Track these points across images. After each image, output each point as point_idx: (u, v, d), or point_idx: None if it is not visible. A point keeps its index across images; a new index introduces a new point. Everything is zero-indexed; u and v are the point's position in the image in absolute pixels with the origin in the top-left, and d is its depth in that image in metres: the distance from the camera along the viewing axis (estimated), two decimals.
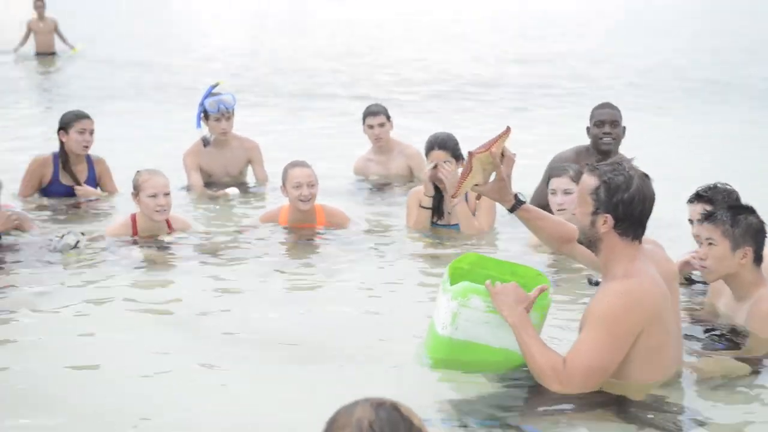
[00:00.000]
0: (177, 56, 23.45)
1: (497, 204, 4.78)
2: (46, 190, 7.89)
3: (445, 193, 6.87)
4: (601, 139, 7.18)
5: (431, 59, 23.01)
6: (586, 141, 7.35)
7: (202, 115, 8.40)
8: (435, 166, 6.78)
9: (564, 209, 6.20)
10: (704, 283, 5.39)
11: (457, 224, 6.97)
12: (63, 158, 7.83)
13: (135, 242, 6.71)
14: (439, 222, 7.06)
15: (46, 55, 20.34)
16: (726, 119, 13.48)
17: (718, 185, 5.41)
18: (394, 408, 2.47)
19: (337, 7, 48.13)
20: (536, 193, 7.32)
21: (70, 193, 7.87)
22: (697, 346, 4.82)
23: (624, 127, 7.31)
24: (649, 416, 4.02)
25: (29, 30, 20.40)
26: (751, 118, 13.45)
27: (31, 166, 7.89)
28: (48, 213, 7.60)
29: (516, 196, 4.43)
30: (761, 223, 4.82)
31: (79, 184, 7.85)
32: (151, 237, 6.75)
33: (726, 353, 4.72)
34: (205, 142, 8.44)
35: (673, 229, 6.35)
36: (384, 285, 6.09)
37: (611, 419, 4.04)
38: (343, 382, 4.44)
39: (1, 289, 5.82)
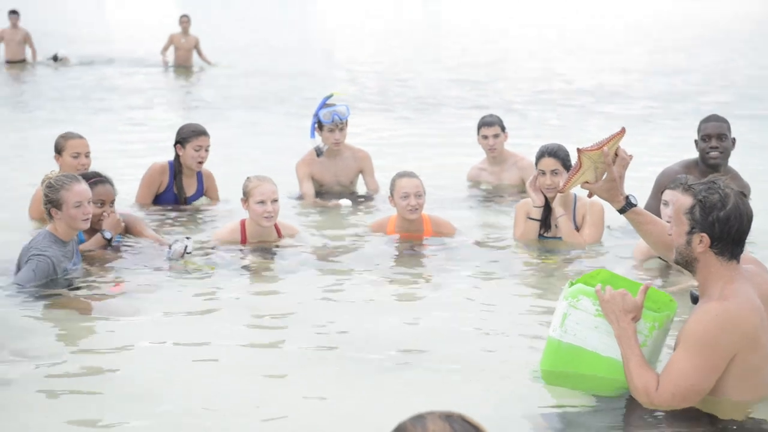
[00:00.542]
0: (306, 66, 23.83)
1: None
2: (158, 198, 8.00)
3: (553, 204, 6.79)
4: (708, 153, 7.01)
5: (555, 70, 22.83)
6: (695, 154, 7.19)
7: (317, 125, 8.47)
8: (539, 174, 6.77)
9: None
10: None
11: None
12: (177, 169, 7.97)
13: (243, 248, 6.79)
14: (546, 234, 6.96)
15: (183, 67, 20.80)
16: None
17: None
18: (463, 419, 2.48)
19: (469, 19, 48.12)
20: (647, 207, 7.15)
21: (178, 201, 7.99)
22: None
23: (734, 139, 7.12)
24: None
25: (170, 42, 20.89)
26: None
27: (151, 172, 7.99)
28: (159, 219, 7.73)
29: (627, 197, 4.37)
30: None
31: (184, 199, 7.98)
32: (259, 243, 6.84)
33: None
34: (318, 151, 8.49)
35: None
36: (488, 297, 6.05)
37: None
38: (443, 390, 4.49)
39: (115, 299, 5.93)
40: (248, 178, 6.85)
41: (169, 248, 6.52)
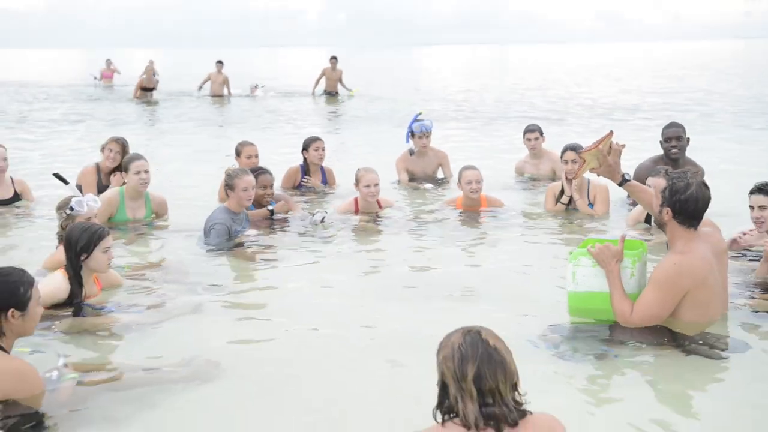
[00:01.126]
0: (406, 93, 23.86)
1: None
2: (296, 187, 8.03)
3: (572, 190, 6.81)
4: (670, 150, 6.82)
5: (584, 93, 22.33)
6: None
7: (410, 134, 8.49)
8: (563, 164, 6.83)
9: None
10: (755, 259, 5.04)
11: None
12: (306, 167, 8.06)
13: (355, 217, 6.80)
14: (569, 206, 6.89)
15: (331, 94, 20.87)
16: None
17: None
18: (478, 333, 2.47)
19: (530, 57, 47.18)
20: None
21: (310, 189, 8.01)
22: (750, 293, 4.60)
23: (688, 139, 6.88)
24: (694, 345, 3.89)
25: (322, 74, 21.06)
26: None
27: (289, 172, 8.05)
28: (299, 199, 7.67)
29: (623, 175, 4.35)
30: None
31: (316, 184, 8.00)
32: (366, 213, 6.88)
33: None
34: (411, 152, 8.56)
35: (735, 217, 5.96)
36: (526, 251, 5.97)
37: (667, 347, 3.92)
38: (492, 318, 4.30)
39: (273, 251, 5.95)
40: (358, 169, 6.89)
41: (312, 216, 6.61)
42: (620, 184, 4.35)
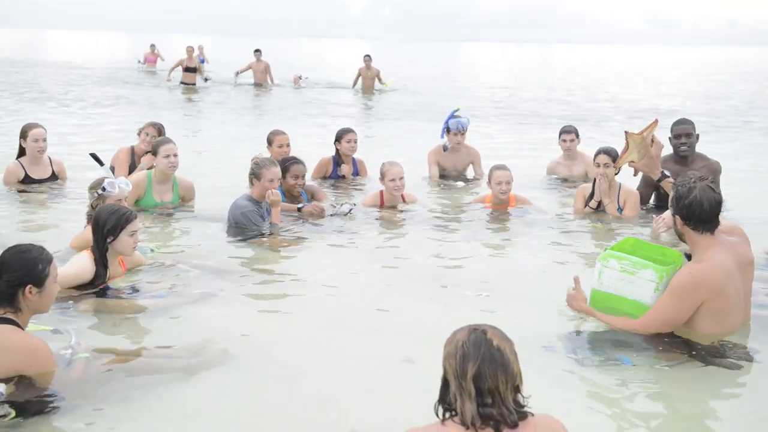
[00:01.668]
0: (446, 88, 23.77)
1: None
2: (327, 177, 8.09)
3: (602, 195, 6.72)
4: (679, 147, 6.70)
5: (623, 96, 22.02)
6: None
7: (446, 129, 8.47)
8: (595, 166, 6.74)
9: None
10: None
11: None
12: (338, 158, 8.08)
13: (380, 209, 6.82)
14: (598, 209, 6.81)
15: (368, 91, 20.82)
16: None
17: None
18: (483, 332, 2.46)
19: (574, 59, 46.67)
20: (639, 191, 6.94)
21: (339, 178, 8.05)
22: None
23: (697, 135, 6.77)
24: (711, 355, 3.83)
25: (359, 74, 21.01)
26: None
27: (321, 162, 8.11)
28: (329, 189, 7.75)
29: (663, 171, 4.32)
30: None
31: (344, 176, 8.03)
32: (391, 207, 6.88)
33: None
34: (445, 147, 8.51)
35: None
36: (552, 251, 5.92)
37: (684, 356, 3.85)
38: (510, 318, 4.32)
39: (296, 241, 5.97)
40: (383, 163, 6.91)
41: (340, 206, 6.65)
42: (659, 181, 4.31)
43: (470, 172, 8.64)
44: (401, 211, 6.85)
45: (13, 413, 3.12)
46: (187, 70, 20.89)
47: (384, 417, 3.31)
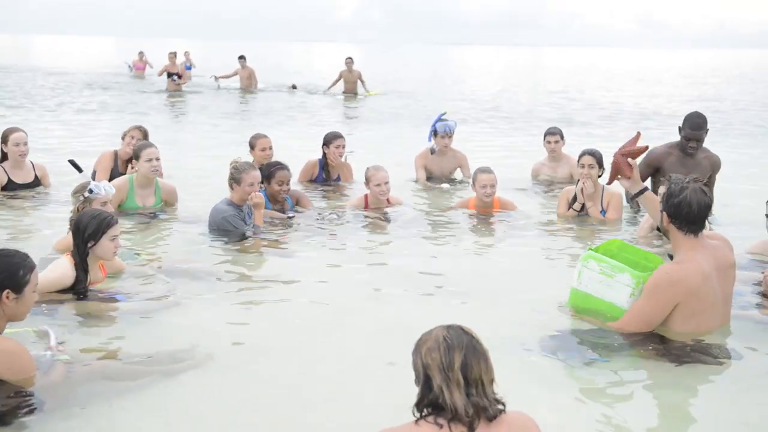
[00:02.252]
0: (434, 91, 23.83)
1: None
2: (313, 181, 8.13)
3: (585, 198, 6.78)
4: (686, 149, 6.76)
5: (609, 98, 22.18)
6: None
7: (433, 132, 8.52)
8: (579, 167, 6.80)
9: None
10: None
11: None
12: (324, 162, 8.11)
13: (365, 212, 6.86)
14: (581, 212, 6.86)
15: (350, 94, 20.76)
16: None
17: None
18: (459, 327, 2.53)
19: (565, 62, 46.90)
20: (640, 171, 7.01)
21: (325, 182, 8.08)
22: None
23: (707, 129, 6.80)
24: (686, 354, 3.88)
25: (340, 77, 20.89)
26: None
27: (307, 166, 8.14)
28: (314, 193, 7.75)
29: (646, 187, 4.43)
30: None
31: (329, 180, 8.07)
32: (376, 209, 6.92)
33: None
34: (432, 151, 8.58)
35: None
36: (535, 253, 5.98)
37: (658, 354, 3.91)
38: (490, 319, 4.41)
39: (280, 244, 6.00)
40: (368, 168, 6.94)
41: (325, 215, 6.69)
42: (637, 195, 4.37)
43: (458, 175, 8.70)
44: (386, 214, 6.90)
45: None
46: (170, 76, 20.89)
47: (365, 418, 3.33)
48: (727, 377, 3.76)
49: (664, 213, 4.01)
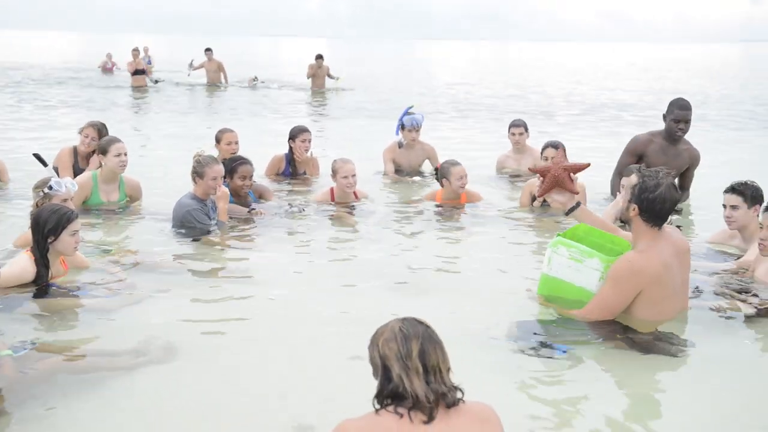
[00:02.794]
0: (401, 85, 23.85)
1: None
2: (279, 175, 8.07)
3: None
4: (676, 132, 6.82)
5: (575, 91, 22.36)
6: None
7: (401, 126, 8.52)
8: (543, 160, 6.83)
9: None
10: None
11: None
12: (291, 156, 8.07)
13: (331, 205, 6.82)
14: (544, 204, 6.94)
15: (319, 90, 20.50)
16: None
17: (747, 182, 5.24)
18: (414, 318, 2.55)
19: (531, 56, 47.21)
20: (620, 160, 7.08)
21: (291, 176, 8.05)
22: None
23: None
24: (647, 341, 3.93)
25: (311, 71, 20.70)
26: None
27: (273, 160, 8.11)
28: (280, 187, 7.73)
29: (579, 202, 4.46)
30: None
31: (298, 174, 8.03)
32: (342, 203, 6.89)
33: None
34: (400, 144, 8.60)
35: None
36: (502, 243, 6.03)
37: (621, 342, 3.96)
38: (455, 311, 4.45)
39: (245, 238, 5.96)
40: (335, 160, 6.91)
41: (290, 206, 6.63)
42: (571, 210, 4.42)
43: (426, 168, 8.70)
44: (353, 208, 6.87)
45: None
46: (135, 73, 20.58)
47: (328, 408, 3.32)
48: (689, 367, 3.80)
49: (633, 205, 4.05)
